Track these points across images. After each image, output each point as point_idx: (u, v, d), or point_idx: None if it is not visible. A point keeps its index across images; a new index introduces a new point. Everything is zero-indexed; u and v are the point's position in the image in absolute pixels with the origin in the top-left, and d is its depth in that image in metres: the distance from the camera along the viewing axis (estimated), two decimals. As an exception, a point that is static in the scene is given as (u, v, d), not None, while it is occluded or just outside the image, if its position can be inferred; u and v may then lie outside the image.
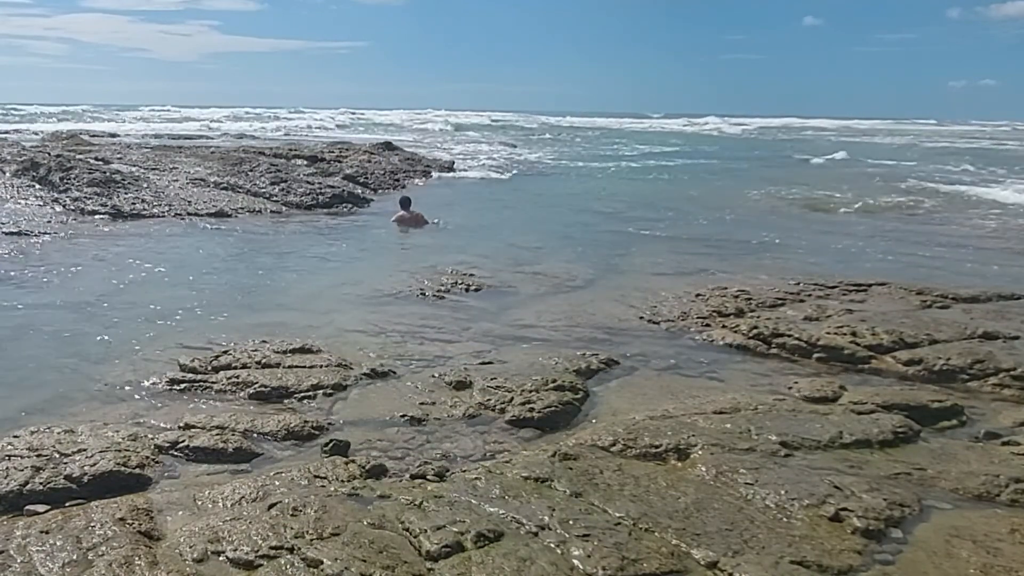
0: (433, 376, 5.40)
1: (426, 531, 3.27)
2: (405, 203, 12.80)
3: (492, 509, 3.50)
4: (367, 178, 17.92)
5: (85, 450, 4.07)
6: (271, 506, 3.48)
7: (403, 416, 4.78)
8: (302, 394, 5.11)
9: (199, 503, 3.66)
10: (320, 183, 16.12)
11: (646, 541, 3.29)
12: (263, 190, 15.18)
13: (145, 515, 3.48)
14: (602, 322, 6.94)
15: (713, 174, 24.64)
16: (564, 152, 33.07)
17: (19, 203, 12.81)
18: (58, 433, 4.30)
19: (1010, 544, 3.37)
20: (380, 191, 17.00)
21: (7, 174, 14.51)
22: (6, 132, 29.34)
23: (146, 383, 5.26)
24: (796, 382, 5.47)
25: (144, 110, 73.95)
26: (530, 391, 5.07)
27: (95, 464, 3.93)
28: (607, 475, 3.89)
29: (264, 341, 6.03)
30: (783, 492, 3.72)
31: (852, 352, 6.07)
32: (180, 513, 3.56)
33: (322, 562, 3.05)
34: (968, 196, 18.22)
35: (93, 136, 27.91)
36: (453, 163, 22.78)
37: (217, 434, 4.41)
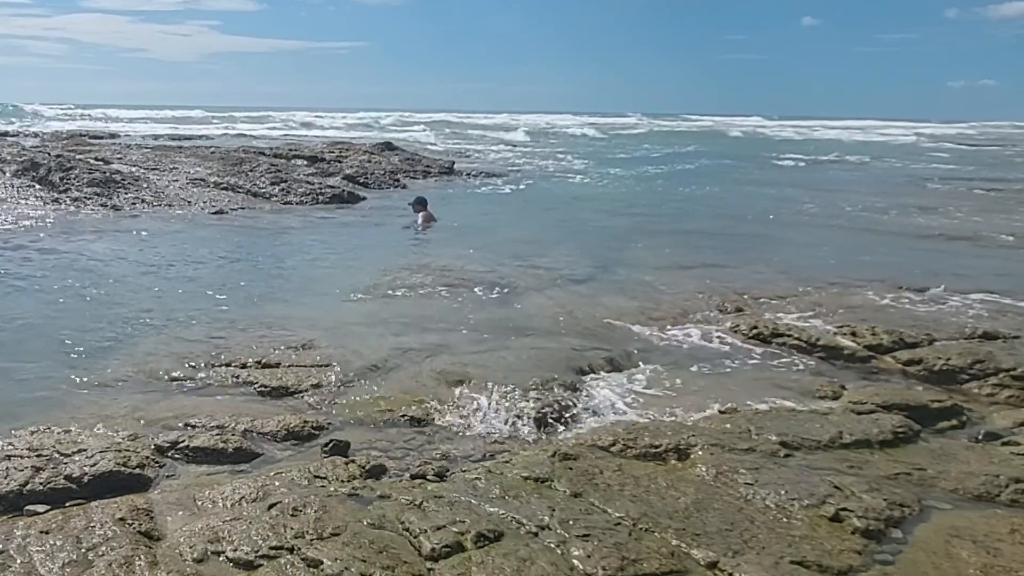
0: (434, 374, 5.40)
1: (426, 531, 3.27)
2: (422, 203, 12.73)
3: (492, 509, 3.50)
4: (367, 178, 17.91)
5: (85, 450, 4.06)
6: (271, 506, 3.48)
7: (403, 415, 4.78)
8: (302, 393, 5.11)
9: (199, 503, 3.66)
10: (320, 183, 16.13)
11: (646, 541, 3.29)
12: (263, 190, 15.19)
13: (145, 515, 3.48)
14: (602, 319, 6.94)
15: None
16: (577, 153, 32.96)
17: (19, 203, 12.81)
18: (58, 433, 4.31)
19: (1010, 544, 3.37)
20: (380, 191, 17.01)
21: (7, 174, 14.50)
22: (6, 132, 29.31)
23: (146, 382, 5.26)
24: (796, 382, 5.47)
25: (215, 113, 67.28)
26: (531, 390, 5.07)
27: (95, 464, 3.92)
28: (607, 475, 3.88)
29: (264, 338, 6.04)
30: (783, 492, 3.72)
31: (852, 352, 6.07)
32: (180, 513, 3.56)
33: (322, 562, 3.05)
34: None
35: (93, 136, 27.92)
36: (453, 164, 22.76)
37: (217, 434, 4.42)
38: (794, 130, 60.99)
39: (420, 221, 12.47)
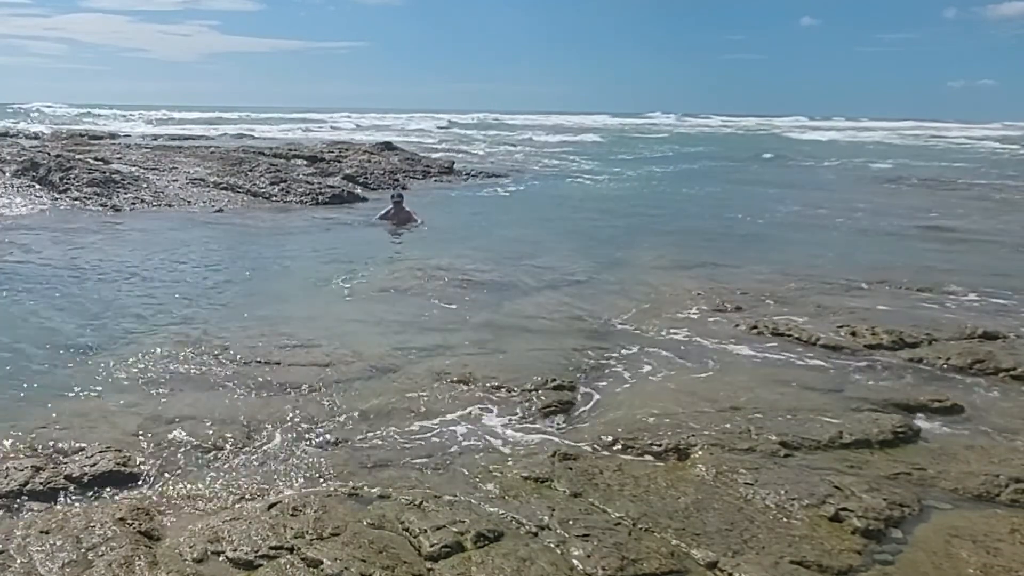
0: (433, 372, 5.40)
1: (426, 531, 3.27)
2: (397, 199, 12.59)
3: (492, 509, 3.50)
4: (367, 178, 17.91)
5: (85, 449, 4.07)
6: (271, 506, 3.48)
7: (403, 413, 4.77)
8: (302, 392, 5.11)
9: (199, 503, 3.66)
10: (320, 183, 16.13)
11: (646, 541, 3.29)
12: (263, 190, 15.19)
13: (145, 515, 3.48)
14: (602, 318, 6.94)
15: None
16: (585, 153, 32.89)
17: (19, 203, 12.80)
18: (58, 433, 4.31)
19: (1010, 544, 3.37)
20: (379, 191, 16.99)
21: (7, 174, 14.51)
22: (6, 132, 29.29)
23: (146, 380, 5.25)
24: (796, 381, 5.47)
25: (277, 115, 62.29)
26: (530, 390, 5.07)
27: (95, 464, 3.93)
28: (607, 475, 3.89)
29: (264, 336, 6.04)
30: (783, 492, 3.72)
31: (852, 351, 6.07)
32: (180, 513, 3.56)
33: (322, 562, 3.05)
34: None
35: (93, 137, 27.92)
36: (452, 164, 22.73)
37: (217, 432, 4.42)
38: (838, 132, 57.15)
39: (392, 213, 12.37)
